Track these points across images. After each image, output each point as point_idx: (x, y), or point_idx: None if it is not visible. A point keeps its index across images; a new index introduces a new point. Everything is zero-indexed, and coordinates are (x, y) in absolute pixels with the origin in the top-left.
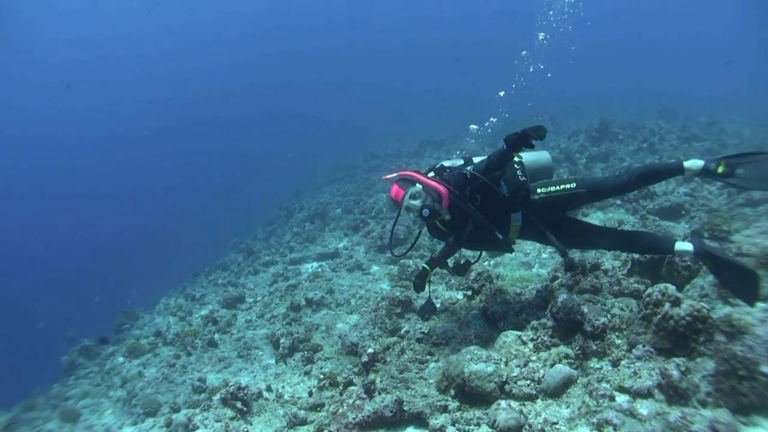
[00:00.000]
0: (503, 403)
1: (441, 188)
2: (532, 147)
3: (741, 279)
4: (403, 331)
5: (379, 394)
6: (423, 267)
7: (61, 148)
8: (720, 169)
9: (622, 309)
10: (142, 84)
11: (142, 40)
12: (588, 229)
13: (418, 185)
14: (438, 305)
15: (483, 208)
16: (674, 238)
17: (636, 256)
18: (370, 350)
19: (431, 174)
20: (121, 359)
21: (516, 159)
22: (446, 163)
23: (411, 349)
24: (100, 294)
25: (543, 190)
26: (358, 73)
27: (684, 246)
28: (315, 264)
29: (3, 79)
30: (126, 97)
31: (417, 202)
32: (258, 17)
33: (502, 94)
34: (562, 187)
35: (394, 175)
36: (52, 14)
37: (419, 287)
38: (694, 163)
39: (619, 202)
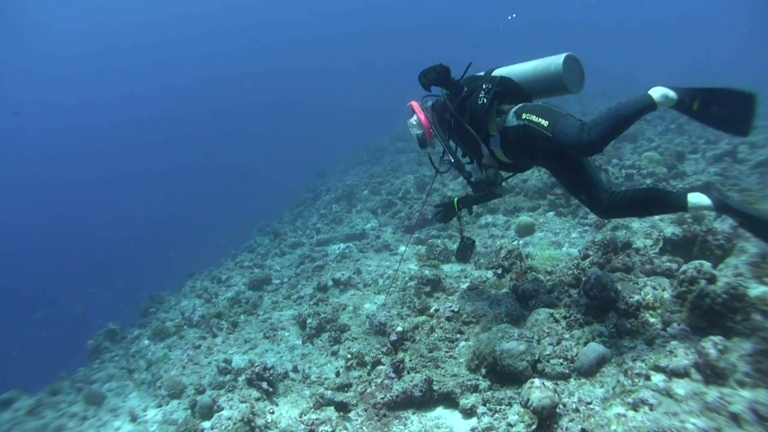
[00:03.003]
0: (537, 381)
1: (423, 120)
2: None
3: None
4: (432, 310)
5: (408, 373)
6: (453, 199)
7: (84, 137)
8: (695, 106)
9: (654, 288)
10: (161, 70)
11: (164, 26)
12: (586, 181)
13: (414, 116)
14: (477, 246)
15: (459, 133)
16: (686, 192)
17: (667, 234)
18: (399, 328)
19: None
20: (146, 342)
21: (497, 74)
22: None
23: (441, 328)
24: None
25: (527, 116)
26: (383, 57)
27: (699, 199)
28: (342, 245)
29: (20, 73)
30: (144, 84)
31: (413, 131)
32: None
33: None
34: (538, 120)
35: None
36: (56, 5)
37: (443, 217)
38: (665, 96)
39: (649, 181)
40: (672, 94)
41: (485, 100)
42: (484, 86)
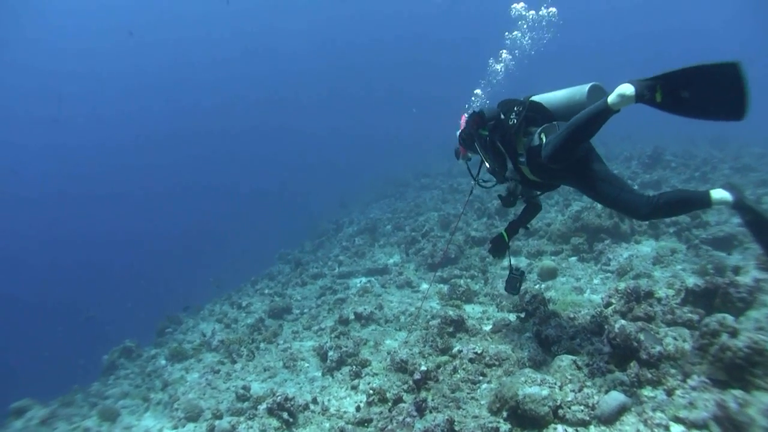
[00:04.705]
0: (559, 427)
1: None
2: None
3: None
4: (455, 351)
5: (431, 412)
6: (500, 232)
7: (108, 151)
8: (657, 97)
9: (675, 338)
10: (189, 89)
11: (206, 46)
12: (611, 189)
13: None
14: (522, 281)
15: (492, 149)
16: (709, 190)
17: (689, 284)
18: (424, 368)
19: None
20: (163, 362)
21: (532, 98)
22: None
23: (463, 369)
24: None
25: (543, 136)
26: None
27: (721, 195)
28: (364, 279)
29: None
30: (175, 102)
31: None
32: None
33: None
34: (543, 139)
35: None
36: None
37: (496, 252)
38: (620, 95)
39: (672, 230)
40: (629, 90)
41: (515, 121)
42: (515, 108)
